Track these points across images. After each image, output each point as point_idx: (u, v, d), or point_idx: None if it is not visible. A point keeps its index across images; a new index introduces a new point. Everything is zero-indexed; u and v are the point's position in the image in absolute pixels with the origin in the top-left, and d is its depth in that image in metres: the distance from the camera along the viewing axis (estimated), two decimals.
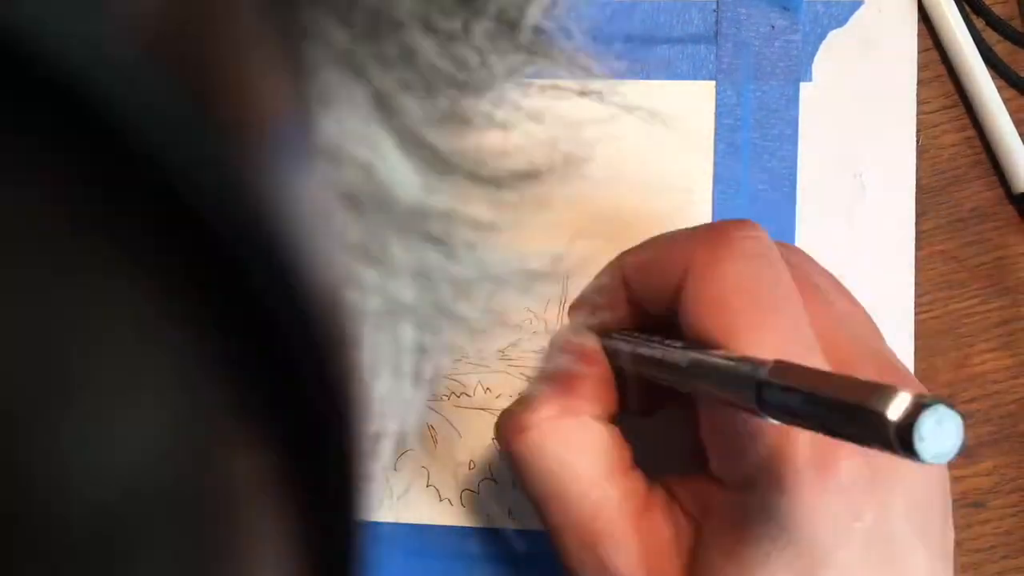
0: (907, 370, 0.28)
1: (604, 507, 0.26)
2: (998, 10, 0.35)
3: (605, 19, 0.35)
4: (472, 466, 0.35)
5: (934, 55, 0.35)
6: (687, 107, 0.35)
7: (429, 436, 0.35)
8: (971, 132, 0.35)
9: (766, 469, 0.23)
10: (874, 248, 0.34)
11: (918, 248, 0.34)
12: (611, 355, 0.29)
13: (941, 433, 0.17)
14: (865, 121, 0.34)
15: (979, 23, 0.35)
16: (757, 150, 0.35)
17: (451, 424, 0.35)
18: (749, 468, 0.24)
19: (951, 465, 0.35)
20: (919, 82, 0.34)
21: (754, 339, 0.24)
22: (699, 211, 0.35)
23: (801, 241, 0.34)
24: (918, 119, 0.34)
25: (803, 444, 0.23)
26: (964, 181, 0.35)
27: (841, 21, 0.35)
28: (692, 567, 0.25)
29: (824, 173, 0.34)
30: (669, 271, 0.26)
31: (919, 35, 0.35)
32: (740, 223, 0.26)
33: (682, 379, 0.25)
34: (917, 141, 0.34)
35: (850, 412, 0.18)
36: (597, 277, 0.30)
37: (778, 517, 0.23)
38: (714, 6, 0.35)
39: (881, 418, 0.17)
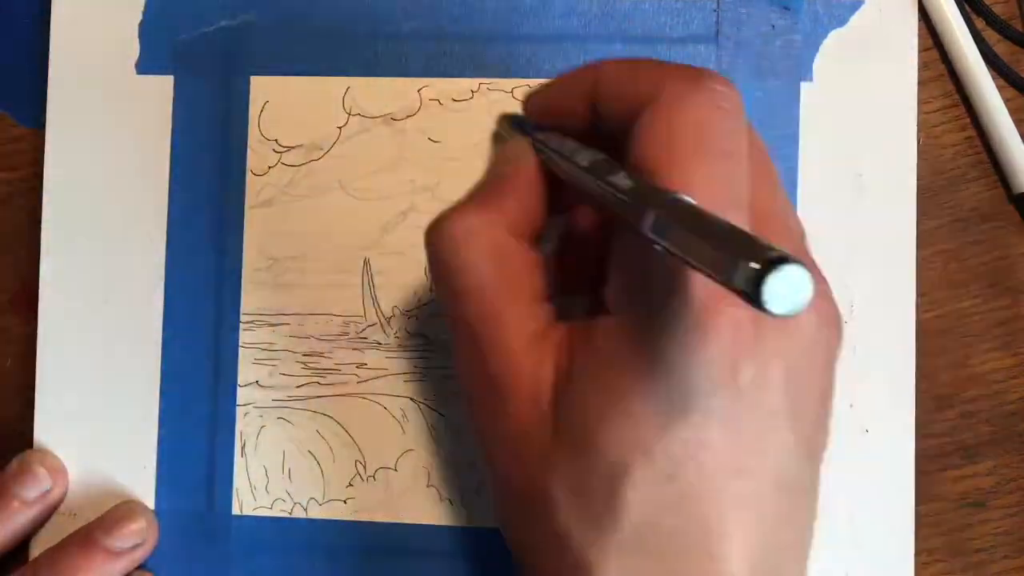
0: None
1: (500, 324, 0.25)
2: (998, 10, 0.35)
3: (606, 19, 0.35)
4: (473, 466, 0.35)
5: (934, 55, 0.35)
6: None
7: (430, 436, 0.35)
8: (971, 132, 0.35)
9: (657, 303, 0.23)
10: (875, 248, 0.34)
11: (918, 248, 0.34)
12: (547, 161, 0.28)
13: (791, 288, 0.18)
14: (866, 121, 0.34)
15: (979, 23, 0.35)
16: None
17: (451, 424, 0.35)
18: (641, 299, 0.23)
19: (951, 465, 0.35)
20: (919, 82, 0.34)
21: (686, 179, 0.23)
22: None
23: None
24: (918, 119, 0.34)
25: (698, 286, 0.22)
26: (964, 181, 0.35)
27: (842, 21, 0.35)
28: (563, 391, 0.25)
29: (825, 173, 0.34)
30: (640, 91, 0.25)
31: (919, 35, 0.35)
32: (719, 76, 0.26)
33: (593, 190, 0.24)
34: (917, 141, 0.34)
35: (717, 259, 0.19)
36: (566, 77, 0.29)
37: (656, 350, 0.23)
38: (715, 6, 0.35)
39: (737, 267, 0.18)
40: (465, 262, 0.26)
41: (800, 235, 0.27)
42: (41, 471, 0.35)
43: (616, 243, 0.25)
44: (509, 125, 0.34)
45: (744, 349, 0.23)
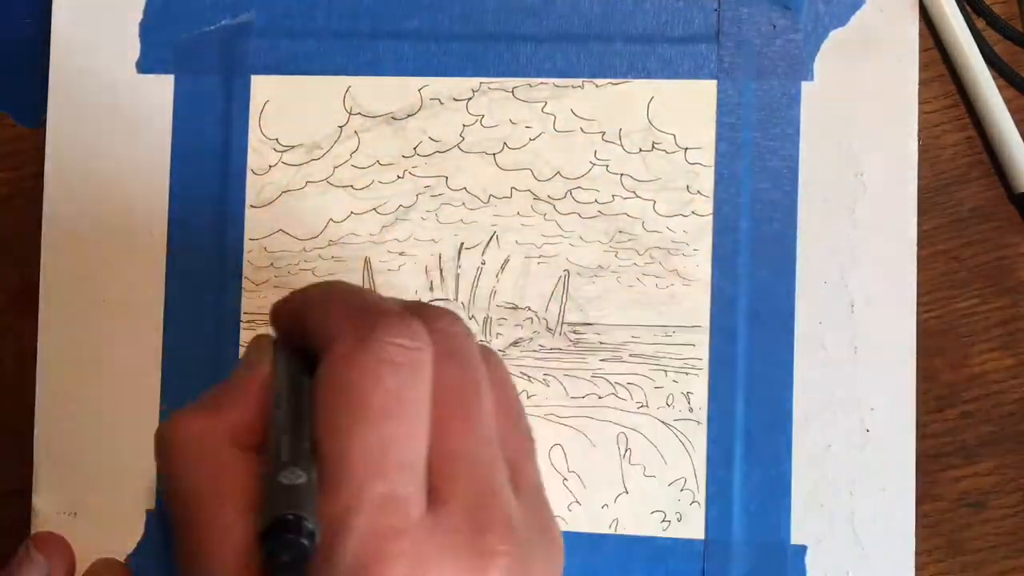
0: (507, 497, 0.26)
1: (209, 533, 0.25)
2: (999, 10, 0.35)
3: (607, 18, 0.35)
4: None
5: (935, 55, 0.36)
6: (688, 106, 0.35)
7: None
8: (971, 132, 0.35)
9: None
10: (875, 247, 0.34)
11: (919, 248, 0.34)
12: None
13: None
14: (866, 120, 0.34)
15: (980, 23, 0.35)
16: (759, 149, 0.35)
17: None
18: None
19: (951, 465, 0.35)
20: (920, 82, 0.34)
21: (339, 446, 0.24)
22: (700, 210, 0.35)
23: (802, 240, 0.34)
24: (918, 119, 0.34)
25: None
26: (964, 181, 0.35)
27: (842, 20, 0.35)
28: None
29: (825, 172, 0.34)
30: (321, 337, 0.26)
31: (920, 35, 0.35)
32: (400, 322, 0.26)
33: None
34: (917, 141, 0.34)
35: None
36: (293, 293, 0.30)
37: None
38: (715, 5, 0.35)
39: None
40: (181, 467, 0.26)
41: (496, 472, 0.26)
42: (38, 556, 0.35)
43: None
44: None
45: None
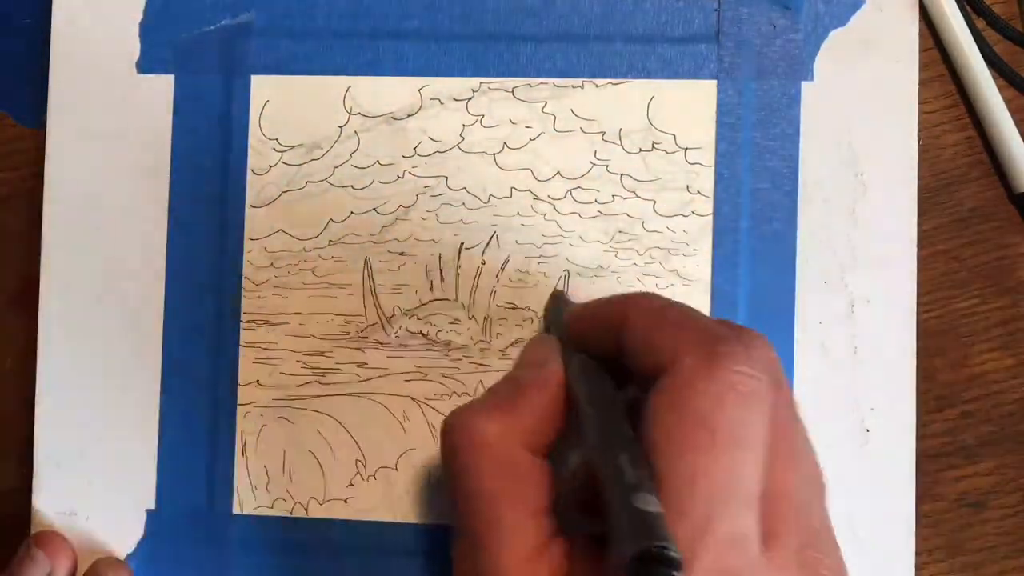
0: (831, 539, 0.27)
1: (500, 532, 0.25)
2: (999, 10, 0.35)
3: (607, 18, 0.35)
4: None
5: (935, 55, 0.36)
6: (688, 106, 0.35)
7: (430, 435, 0.35)
8: (971, 132, 0.35)
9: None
10: (876, 247, 0.34)
11: (919, 248, 0.34)
12: (569, 375, 0.28)
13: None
14: (866, 120, 0.34)
15: (980, 23, 0.35)
16: (759, 149, 0.35)
17: None
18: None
19: (951, 465, 0.35)
20: (919, 82, 0.34)
21: (688, 472, 0.23)
22: (700, 210, 0.35)
23: (802, 240, 0.34)
24: (918, 119, 0.34)
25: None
26: (964, 181, 0.35)
27: (842, 20, 0.35)
28: None
29: (825, 172, 0.34)
30: (657, 351, 0.25)
31: (920, 35, 0.35)
32: (742, 349, 0.25)
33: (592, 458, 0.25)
34: (917, 141, 0.34)
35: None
36: (602, 303, 0.29)
37: None
38: (715, 5, 0.35)
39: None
40: (475, 468, 0.26)
41: (816, 521, 0.26)
42: (40, 555, 0.35)
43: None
44: (554, 309, 0.34)
45: None
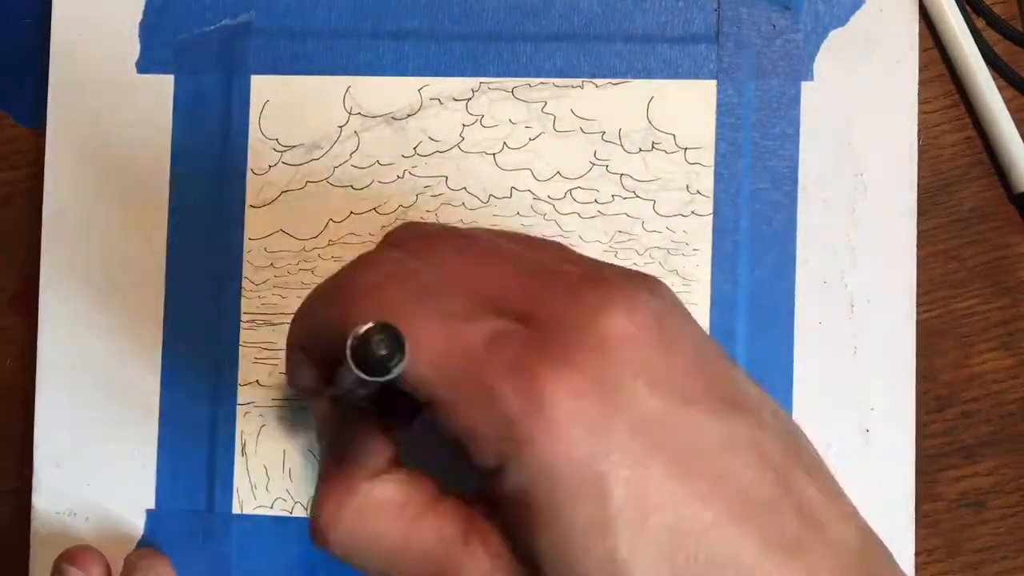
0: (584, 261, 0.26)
1: (429, 557, 0.25)
2: (998, 10, 0.35)
3: (607, 18, 0.35)
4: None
5: (935, 55, 0.36)
6: (688, 106, 0.35)
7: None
8: (971, 132, 0.35)
9: (498, 443, 0.22)
10: (875, 247, 0.34)
11: (918, 248, 0.34)
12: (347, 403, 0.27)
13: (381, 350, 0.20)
14: (866, 120, 0.34)
15: (980, 23, 0.35)
16: (758, 149, 0.35)
17: None
18: (489, 450, 0.23)
19: (951, 465, 0.35)
20: (919, 82, 0.34)
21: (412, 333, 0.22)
22: (700, 210, 0.35)
23: (802, 240, 0.34)
24: (918, 119, 0.34)
25: (509, 394, 0.22)
26: (964, 181, 0.35)
27: (842, 20, 0.35)
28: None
29: (825, 172, 0.34)
30: (328, 332, 0.25)
31: (920, 35, 0.35)
32: (361, 259, 0.25)
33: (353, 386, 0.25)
34: (917, 141, 0.34)
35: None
36: (322, 293, 0.29)
37: (527, 486, 0.22)
38: (715, 5, 0.35)
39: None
40: (375, 532, 0.25)
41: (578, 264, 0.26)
42: (72, 570, 0.34)
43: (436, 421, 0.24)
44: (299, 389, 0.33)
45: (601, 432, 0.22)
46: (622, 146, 0.35)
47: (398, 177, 0.36)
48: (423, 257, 0.25)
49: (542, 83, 0.35)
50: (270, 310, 0.36)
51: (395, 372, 0.21)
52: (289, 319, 0.36)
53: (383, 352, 0.20)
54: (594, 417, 0.22)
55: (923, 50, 0.35)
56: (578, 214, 0.35)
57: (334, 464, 0.26)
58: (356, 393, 0.25)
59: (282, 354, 0.36)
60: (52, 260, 0.37)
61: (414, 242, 0.26)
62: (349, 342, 0.20)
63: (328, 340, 0.24)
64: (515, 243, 0.26)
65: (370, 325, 0.20)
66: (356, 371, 0.20)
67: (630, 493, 0.21)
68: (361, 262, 0.26)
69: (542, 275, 0.24)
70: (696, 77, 0.35)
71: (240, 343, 0.36)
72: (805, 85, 0.35)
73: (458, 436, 0.23)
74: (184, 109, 0.36)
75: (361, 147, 0.36)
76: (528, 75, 0.35)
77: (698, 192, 0.35)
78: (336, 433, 0.27)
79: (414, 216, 0.36)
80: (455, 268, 0.25)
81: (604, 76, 0.35)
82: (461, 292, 0.24)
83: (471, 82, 0.36)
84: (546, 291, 0.24)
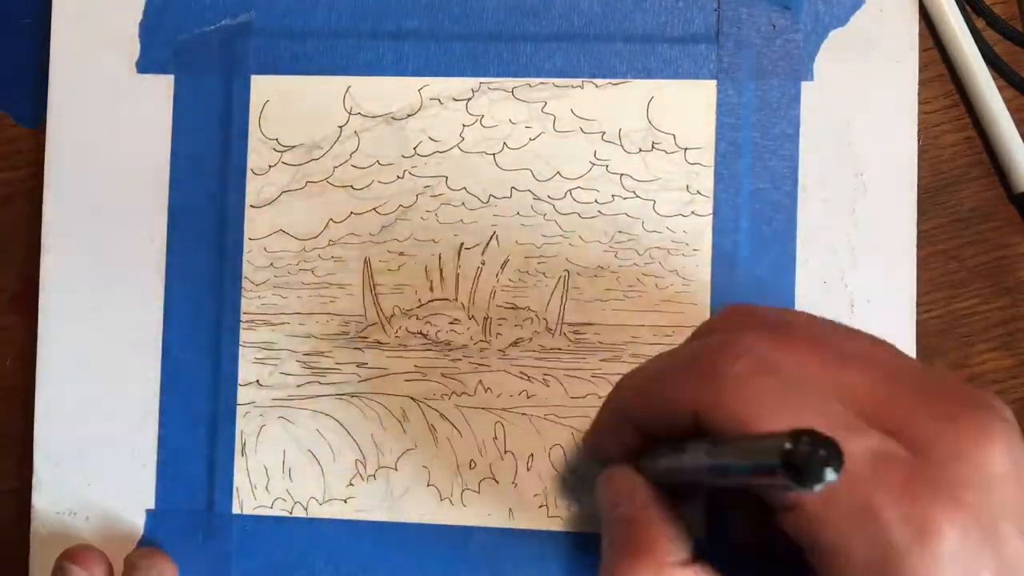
0: (956, 382, 0.26)
1: None
2: (999, 10, 0.35)
3: (607, 18, 0.35)
4: (473, 465, 0.35)
5: (935, 55, 0.36)
6: (688, 106, 0.35)
7: (430, 435, 0.35)
8: (971, 132, 0.35)
9: (869, 564, 0.22)
10: (875, 247, 0.34)
11: (918, 248, 0.34)
12: (655, 478, 0.27)
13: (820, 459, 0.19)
14: (866, 120, 0.34)
15: (980, 23, 0.35)
16: (758, 149, 0.35)
17: (451, 423, 0.35)
18: (855, 568, 0.22)
19: None
20: (919, 82, 0.34)
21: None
22: (700, 210, 0.35)
23: (802, 240, 0.34)
24: (918, 119, 0.34)
25: (896, 520, 0.22)
26: (964, 181, 0.35)
27: (842, 20, 0.35)
28: None
29: (825, 172, 0.34)
30: (674, 411, 0.25)
31: (920, 35, 0.35)
32: (725, 344, 0.25)
33: (717, 473, 0.24)
34: (917, 141, 0.34)
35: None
36: (600, 413, 0.30)
37: None
38: (715, 5, 0.35)
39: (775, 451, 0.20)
40: None
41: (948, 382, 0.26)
42: (74, 568, 0.34)
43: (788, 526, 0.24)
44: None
45: (978, 549, 0.22)
46: (622, 146, 0.35)
47: (398, 177, 0.36)
48: (781, 351, 0.25)
49: (542, 83, 0.35)
50: (270, 310, 0.36)
51: (826, 483, 0.19)
52: (289, 319, 0.36)
53: (822, 461, 0.19)
54: (970, 559, 0.22)
55: (923, 50, 0.35)
56: (578, 214, 0.35)
57: (633, 543, 0.26)
58: (691, 478, 0.25)
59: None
60: (52, 260, 0.37)
61: (762, 332, 0.26)
62: (786, 445, 0.19)
63: (670, 418, 0.25)
64: (854, 340, 0.26)
65: (805, 430, 0.19)
66: (782, 476, 0.19)
67: None
68: (722, 347, 0.25)
69: (908, 387, 0.24)
70: (696, 77, 0.35)
71: (240, 343, 0.36)
72: (805, 85, 0.35)
73: (816, 545, 0.23)
74: (184, 109, 0.36)
75: (361, 147, 0.36)
76: (528, 75, 0.35)
77: (698, 192, 0.35)
78: (639, 511, 0.27)
79: (414, 216, 0.36)
80: (816, 369, 0.24)
81: (604, 76, 0.35)
82: (834, 397, 0.24)
83: (471, 82, 0.36)
84: (919, 410, 0.24)
